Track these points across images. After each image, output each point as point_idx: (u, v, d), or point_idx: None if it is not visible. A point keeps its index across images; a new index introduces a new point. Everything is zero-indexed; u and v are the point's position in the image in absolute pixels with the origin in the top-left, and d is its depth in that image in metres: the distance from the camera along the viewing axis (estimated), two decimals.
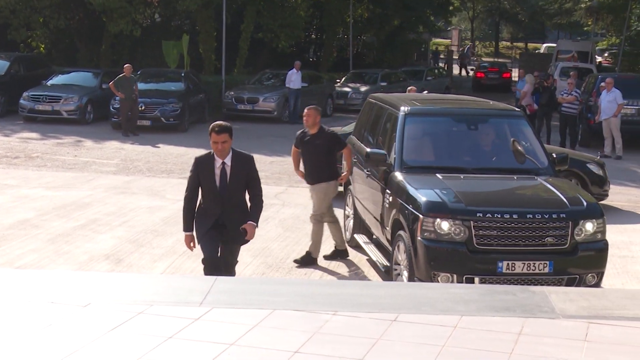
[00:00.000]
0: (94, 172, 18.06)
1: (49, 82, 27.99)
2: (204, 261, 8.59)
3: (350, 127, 16.34)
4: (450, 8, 58.86)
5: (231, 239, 8.83)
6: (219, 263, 8.71)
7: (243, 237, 8.73)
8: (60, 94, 26.54)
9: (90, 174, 17.80)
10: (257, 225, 8.81)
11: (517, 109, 11.86)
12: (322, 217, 11.20)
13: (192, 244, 8.90)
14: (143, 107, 25.16)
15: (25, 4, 33.78)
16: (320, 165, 11.14)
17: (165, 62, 33.73)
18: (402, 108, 10.53)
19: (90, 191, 15.68)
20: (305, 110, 11.41)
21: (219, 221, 8.72)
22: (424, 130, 10.55)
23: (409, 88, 19.41)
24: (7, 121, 26.29)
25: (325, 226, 11.26)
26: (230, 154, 8.72)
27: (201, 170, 8.81)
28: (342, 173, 11.77)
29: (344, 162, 12.03)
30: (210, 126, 8.68)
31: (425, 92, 22.43)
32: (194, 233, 8.87)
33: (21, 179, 16.52)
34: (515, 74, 56.08)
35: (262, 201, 8.94)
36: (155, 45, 35.76)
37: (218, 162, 8.68)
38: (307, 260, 11.03)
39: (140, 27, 34.24)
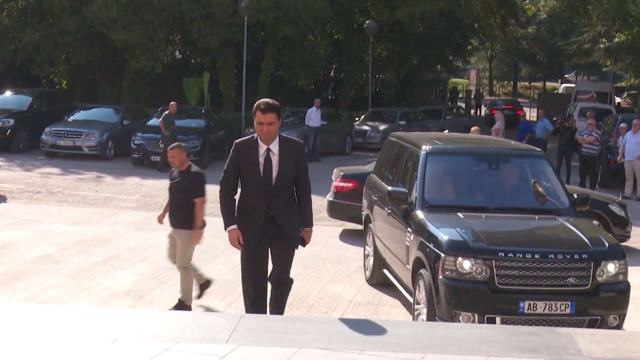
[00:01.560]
0: (115, 208, 18.13)
1: (71, 118, 28.15)
2: (246, 293, 7.79)
3: (370, 166, 16.32)
4: (469, 48, 59.06)
5: (288, 237, 7.88)
6: (264, 298, 7.85)
7: (296, 240, 7.96)
8: (81, 130, 26.70)
9: (111, 210, 17.87)
10: (311, 227, 8.14)
11: (538, 149, 11.83)
12: (187, 264, 10.30)
13: (239, 239, 7.83)
14: (164, 144, 25.29)
15: (49, 41, 34.16)
16: (183, 207, 10.15)
17: (185, 99, 33.96)
18: (423, 147, 10.54)
19: (111, 227, 15.73)
20: (169, 151, 10.51)
21: (268, 218, 7.75)
22: (446, 169, 10.55)
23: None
24: (29, 156, 26.47)
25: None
26: (277, 139, 7.78)
27: (242, 157, 7.77)
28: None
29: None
30: (255, 104, 7.77)
31: (446, 131, 22.48)
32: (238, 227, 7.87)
33: (43, 214, 16.59)
34: (528, 111, 56.46)
35: (310, 196, 8.14)
36: (176, 81, 36.02)
37: (262, 149, 7.71)
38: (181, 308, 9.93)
39: (162, 63, 34.54)
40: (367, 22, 37.00)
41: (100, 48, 35.78)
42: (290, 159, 7.77)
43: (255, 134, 7.86)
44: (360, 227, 14.92)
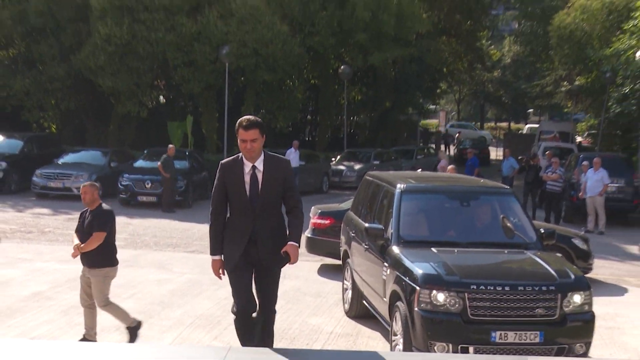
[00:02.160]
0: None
1: (61, 161, 28.10)
2: (234, 311, 7.36)
3: (346, 204, 16.39)
4: (438, 91, 59.48)
5: (267, 262, 7.35)
6: (252, 314, 7.42)
7: (282, 260, 7.34)
8: (70, 172, 26.65)
9: None
10: (299, 245, 7.43)
11: (506, 187, 11.95)
12: (107, 301, 9.72)
13: (220, 271, 7.49)
14: (150, 185, 25.30)
15: (39, 87, 34.14)
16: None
17: (170, 141, 33.92)
18: (398, 185, 10.63)
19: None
20: (82, 187, 9.89)
21: (252, 239, 7.27)
22: (419, 206, 10.61)
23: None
24: (20, 197, 26.35)
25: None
26: (262, 156, 7.33)
27: (228, 177, 7.32)
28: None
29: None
30: (238, 121, 7.33)
31: (419, 170, 22.62)
32: (223, 257, 7.51)
33: (34, 253, 16.50)
34: (495, 151, 56.98)
35: (302, 214, 7.49)
36: (161, 125, 36.03)
37: (247, 167, 7.27)
38: (133, 332, 9.82)
39: (147, 108, 34.62)
40: (342, 67, 37.25)
41: (88, 94, 35.77)
42: (276, 176, 7.32)
43: (240, 154, 7.45)
44: (337, 261, 14.92)
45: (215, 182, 7.51)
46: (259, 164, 7.27)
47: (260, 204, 7.27)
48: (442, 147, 60.64)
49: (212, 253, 7.61)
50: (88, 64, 32.22)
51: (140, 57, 31.89)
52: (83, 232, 9.61)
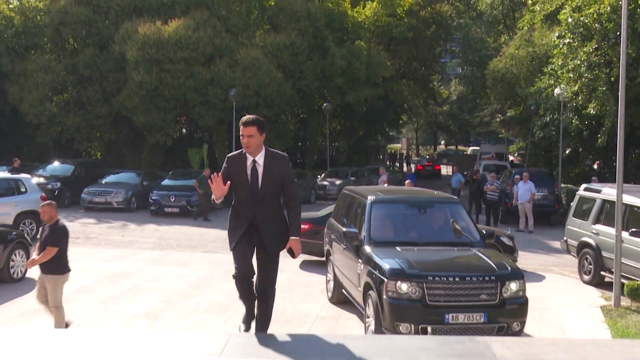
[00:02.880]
0: (137, 249, 17.73)
1: (104, 181, 27.82)
2: (235, 275, 6.56)
3: (322, 212, 16.12)
4: (400, 122, 59.66)
5: (267, 244, 6.56)
6: (251, 278, 6.62)
7: (281, 244, 6.61)
8: (111, 190, 26.38)
9: (134, 250, 17.47)
10: (299, 237, 6.69)
11: (455, 197, 11.74)
12: (58, 303, 9.14)
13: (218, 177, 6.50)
14: (174, 199, 25.00)
15: (87, 123, 33.91)
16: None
17: (190, 164, 33.68)
18: (369, 197, 10.45)
19: (133, 263, 15.36)
20: (41, 207, 9.46)
21: (253, 224, 6.53)
22: (386, 213, 10.39)
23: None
24: (71, 210, 25.97)
25: None
26: (263, 151, 6.60)
27: (232, 168, 6.62)
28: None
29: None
30: (240, 120, 6.68)
31: (385, 185, 22.41)
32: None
33: (81, 255, 16.14)
34: (445, 168, 57.23)
35: (298, 206, 6.77)
36: (182, 151, 35.76)
37: (249, 160, 6.55)
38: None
39: (171, 138, 34.27)
40: (325, 104, 37.08)
41: (125, 128, 35.49)
42: (274, 170, 6.55)
43: (244, 150, 6.71)
44: (315, 258, 14.96)
45: (221, 171, 6.68)
46: (260, 159, 6.55)
47: (260, 194, 6.54)
48: (405, 165, 60.82)
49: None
50: (125, 104, 31.97)
51: (166, 99, 31.62)
52: (41, 244, 9.08)
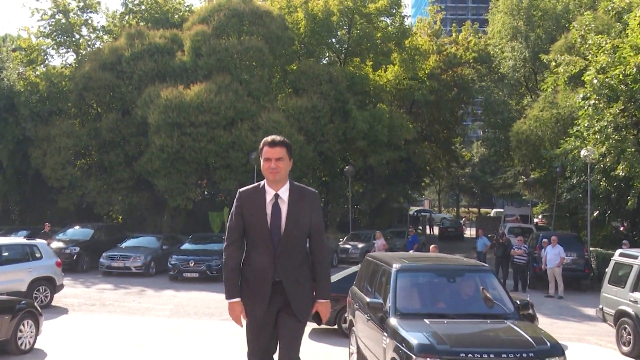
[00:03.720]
0: (153, 316, 17.07)
1: (123, 245, 27.51)
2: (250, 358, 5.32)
3: (337, 276, 15.22)
4: (422, 184, 59.01)
5: (296, 311, 5.21)
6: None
7: (305, 315, 5.28)
8: (130, 254, 25.99)
9: (150, 318, 16.82)
10: (329, 299, 5.42)
11: (485, 265, 11.03)
12: None
13: (242, 315, 5.29)
14: (193, 264, 24.43)
15: (108, 187, 33.74)
16: None
17: (210, 228, 33.20)
18: (394, 264, 9.79)
19: (148, 332, 14.69)
20: None
21: (274, 282, 5.16)
22: (413, 282, 9.71)
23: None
24: (89, 275, 25.50)
25: None
26: (287, 185, 5.25)
27: (247, 206, 5.23)
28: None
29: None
30: (263, 140, 5.38)
31: (412, 251, 21.71)
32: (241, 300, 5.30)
33: (95, 323, 15.53)
34: (468, 230, 56.45)
35: (329, 260, 5.50)
36: (203, 215, 35.33)
37: (270, 195, 5.19)
38: None
39: (193, 201, 33.93)
40: (347, 167, 36.68)
41: (146, 191, 35.20)
42: (302, 209, 5.19)
43: (262, 181, 5.36)
44: (327, 327, 14.30)
45: (231, 212, 5.32)
46: (284, 193, 5.20)
47: (283, 239, 5.17)
48: (427, 228, 60.00)
49: (229, 296, 5.31)
50: (146, 168, 31.82)
51: (187, 162, 31.42)
52: None
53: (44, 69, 38.78)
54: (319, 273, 5.36)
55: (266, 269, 5.19)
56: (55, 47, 39.55)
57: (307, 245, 5.41)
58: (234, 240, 5.36)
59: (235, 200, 5.38)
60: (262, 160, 5.25)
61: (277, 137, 5.29)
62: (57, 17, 38.43)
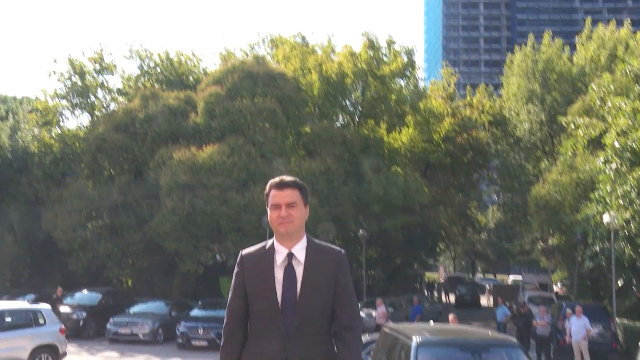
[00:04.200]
0: None
1: (131, 310, 26.91)
2: None
3: None
4: (438, 250, 58.24)
5: None
6: None
7: None
8: (137, 320, 25.32)
9: None
10: None
11: (513, 339, 10.31)
12: None
13: None
14: (202, 331, 23.67)
15: (119, 250, 33.25)
16: None
17: (221, 294, 32.48)
18: (414, 338, 9.11)
19: None
20: None
21: None
22: (434, 358, 9.02)
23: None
24: (96, 342, 24.75)
25: None
26: (304, 241, 3.99)
27: (251, 272, 3.97)
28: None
29: None
30: (269, 183, 4.09)
31: (432, 322, 20.86)
32: None
33: None
34: (485, 298, 55.30)
35: (359, 339, 4.02)
36: (214, 280, 34.65)
37: (281, 256, 3.93)
38: None
39: (204, 266, 33.29)
40: (361, 232, 36.10)
41: (157, 255, 34.65)
42: (324, 272, 3.90)
43: (270, 239, 4.06)
44: None
45: (232, 284, 4.09)
46: (299, 252, 3.92)
47: (298, 317, 3.83)
48: (444, 295, 58.88)
49: None
50: (157, 231, 31.31)
51: (199, 225, 30.93)
52: None
53: (59, 131, 38.88)
54: (343, 351, 3.84)
55: (274, 354, 3.80)
56: (70, 108, 39.72)
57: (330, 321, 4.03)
58: (232, 320, 4.03)
59: (236, 265, 4.05)
60: (268, 210, 3.96)
61: (287, 177, 4.02)
62: (73, 79, 38.71)
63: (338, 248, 4.06)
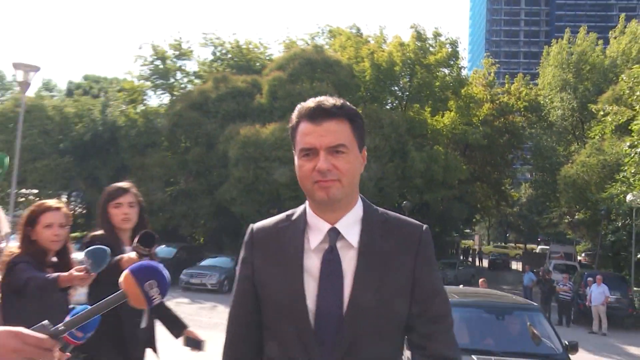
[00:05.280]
0: (220, 332, 16.50)
1: (201, 264, 27.25)
2: None
3: None
4: (474, 220, 57.41)
5: None
6: None
7: None
8: (206, 272, 25.71)
9: (217, 333, 16.25)
10: None
11: (534, 304, 10.02)
12: None
13: None
14: None
15: (192, 212, 33.74)
16: None
17: None
18: None
19: (212, 348, 14.08)
20: None
21: None
22: (462, 318, 8.78)
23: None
24: (170, 290, 25.14)
25: None
26: (359, 211, 2.09)
27: (264, 260, 2.03)
28: None
29: None
30: (296, 108, 2.10)
31: (461, 285, 20.53)
32: None
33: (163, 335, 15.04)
34: (515, 264, 54.44)
35: None
36: None
37: (318, 233, 1.98)
38: None
39: None
40: (404, 202, 35.72)
41: (225, 217, 35.04)
42: (393, 264, 1.96)
43: (299, 208, 2.15)
44: None
45: (235, 280, 2.21)
46: (350, 229, 2.02)
47: (346, 340, 1.89)
48: (477, 260, 58.22)
49: None
50: (225, 196, 31.67)
51: (261, 192, 31.12)
52: None
53: (143, 108, 39.48)
54: None
55: None
56: (153, 89, 40.26)
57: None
58: (235, 341, 2.24)
59: (243, 245, 2.21)
60: (295, 157, 2.13)
61: (330, 99, 2.05)
62: (155, 63, 39.14)
63: (417, 222, 2.18)
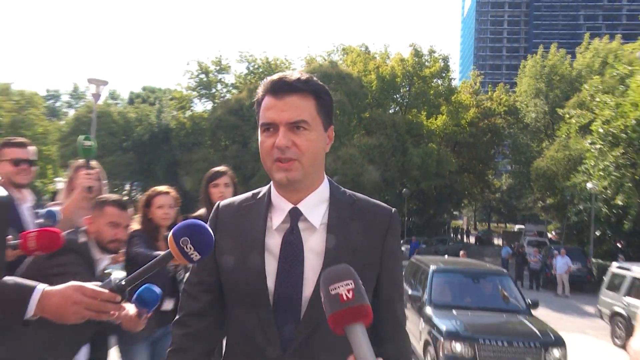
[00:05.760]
0: None
1: None
2: None
3: None
4: (462, 205, 57.35)
5: None
6: None
7: None
8: None
9: None
10: None
11: (504, 270, 10.35)
12: None
13: None
14: None
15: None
16: None
17: None
18: (431, 266, 9.33)
19: None
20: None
21: None
22: (445, 280, 9.19)
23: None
24: None
25: None
26: (324, 191, 1.61)
27: (227, 237, 1.58)
28: None
29: None
30: (262, 83, 1.61)
31: (446, 256, 20.91)
32: None
33: None
34: (497, 239, 54.31)
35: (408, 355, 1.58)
36: None
37: (280, 212, 1.58)
38: None
39: None
40: (404, 190, 35.98)
41: None
42: (358, 247, 1.53)
43: (264, 187, 1.72)
44: None
45: (193, 264, 1.50)
46: (312, 209, 1.59)
47: (305, 324, 1.48)
48: (465, 237, 58.12)
49: None
50: (257, 186, 31.93)
51: None
52: None
53: (190, 113, 40.01)
54: None
55: None
56: (198, 97, 40.79)
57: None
58: (187, 330, 1.65)
59: (208, 221, 1.69)
60: (259, 132, 1.65)
61: (294, 73, 1.63)
62: (200, 76, 39.64)
63: (385, 205, 1.76)
